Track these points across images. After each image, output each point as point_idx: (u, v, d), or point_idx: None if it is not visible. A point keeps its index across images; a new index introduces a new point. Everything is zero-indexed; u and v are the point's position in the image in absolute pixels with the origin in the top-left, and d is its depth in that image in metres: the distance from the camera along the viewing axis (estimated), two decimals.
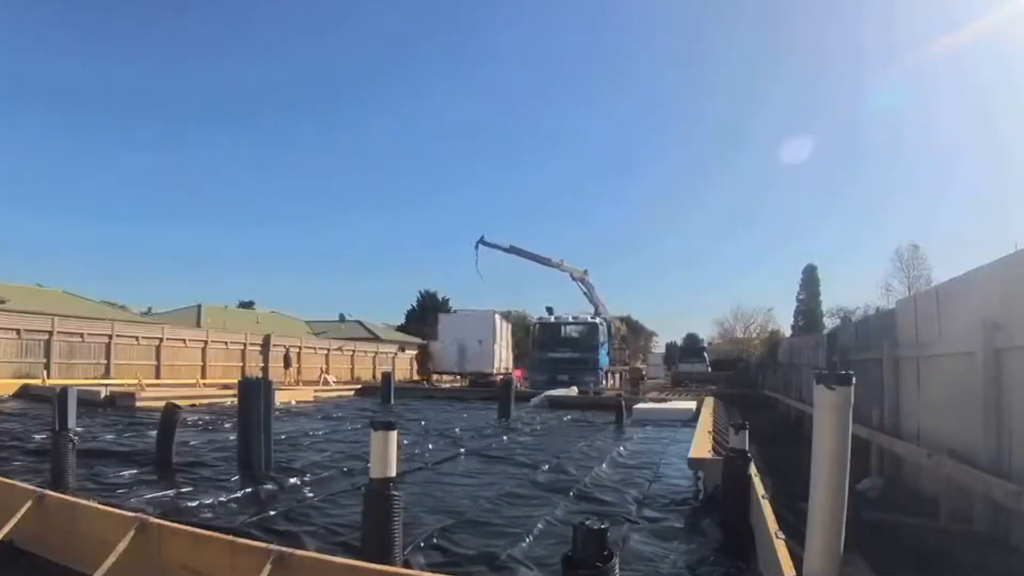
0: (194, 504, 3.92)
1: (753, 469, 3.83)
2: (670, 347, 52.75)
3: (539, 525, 3.57)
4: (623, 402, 10.37)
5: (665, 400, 15.74)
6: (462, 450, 6.56)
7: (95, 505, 3.33)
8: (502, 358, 28.41)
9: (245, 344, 26.04)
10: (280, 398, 11.33)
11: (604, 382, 25.18)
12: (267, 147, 71.82)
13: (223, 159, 70.14)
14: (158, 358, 22.32)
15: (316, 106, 73.11)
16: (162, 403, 6.00)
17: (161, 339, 22.71)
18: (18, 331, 18.59)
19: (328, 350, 30.70)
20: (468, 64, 74.58)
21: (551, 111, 77.44)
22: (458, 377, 27.10)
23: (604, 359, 25.36)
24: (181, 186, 72.14)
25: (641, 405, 11.58)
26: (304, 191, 79.14)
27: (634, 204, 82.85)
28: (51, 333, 19.24)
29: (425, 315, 50.13)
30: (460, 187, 78.79)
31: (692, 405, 11.32)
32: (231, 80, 67.35)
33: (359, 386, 18.77)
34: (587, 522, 1.95)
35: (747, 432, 3.90)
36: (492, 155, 77.54)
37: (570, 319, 26.10)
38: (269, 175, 75.22)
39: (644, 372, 35.58)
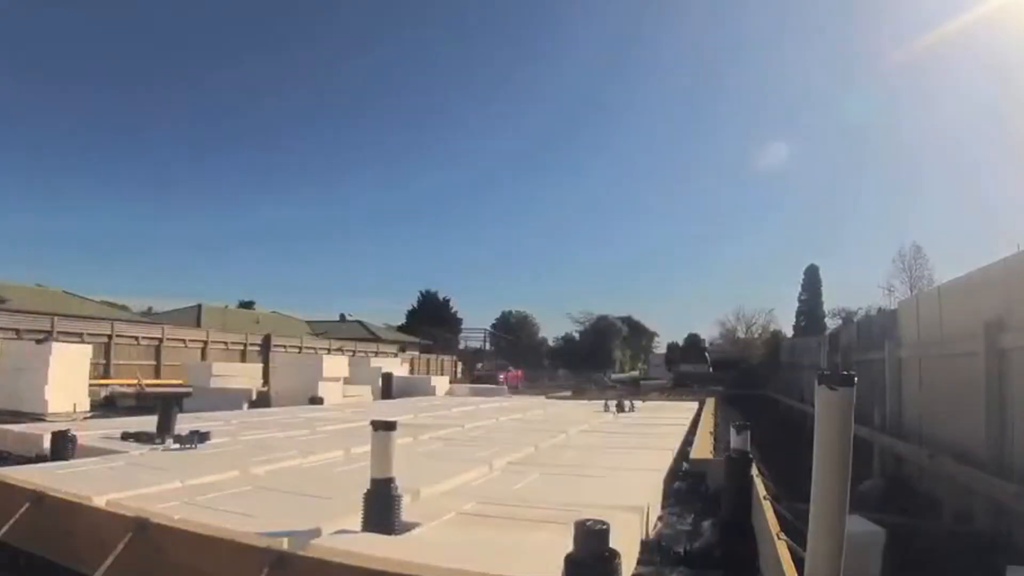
0: None
1: (755, 470, 3.81)
2: (671, 348, 52.71)
3: None
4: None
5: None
6: None
7: (94, 505, 3.30)
8: None
9: (245, 344, 25.97)
10: None
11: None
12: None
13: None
14: (158, 358, 22.21)
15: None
16: None
17: (161, 339, 22.63)
18: (17, 331, 18.55)
19: (328, 350, 30.66)
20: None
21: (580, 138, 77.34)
22: None
23: None
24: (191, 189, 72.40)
25: None
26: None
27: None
28: (51, 333, 19.19)
29: (426, 315, 50.19)
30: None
31: None
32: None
33: None
34: (588, 522, 1.90)
35: (749, 433, 3.88)
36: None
37: None
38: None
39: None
